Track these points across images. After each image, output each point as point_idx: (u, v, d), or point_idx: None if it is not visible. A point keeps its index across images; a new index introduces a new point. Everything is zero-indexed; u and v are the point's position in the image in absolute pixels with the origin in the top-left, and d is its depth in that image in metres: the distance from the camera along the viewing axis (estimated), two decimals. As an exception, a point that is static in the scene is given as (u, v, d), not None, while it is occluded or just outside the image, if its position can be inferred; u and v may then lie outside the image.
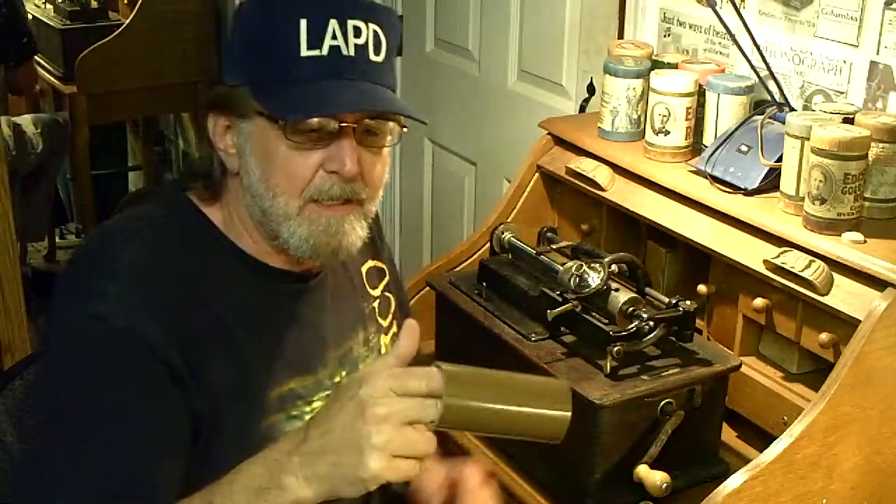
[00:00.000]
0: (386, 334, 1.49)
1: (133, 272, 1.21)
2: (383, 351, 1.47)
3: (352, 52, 1.21)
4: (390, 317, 1.51)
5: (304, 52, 1.19)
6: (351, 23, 1.21)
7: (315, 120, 1.20)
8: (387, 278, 1.53)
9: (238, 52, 1.25)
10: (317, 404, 1.33)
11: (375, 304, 1.48)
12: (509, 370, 1.65)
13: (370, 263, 1.50)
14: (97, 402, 1.16)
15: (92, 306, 1.17)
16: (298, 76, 1.20)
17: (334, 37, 1.20)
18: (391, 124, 1.26)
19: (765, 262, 1.60)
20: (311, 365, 1.34)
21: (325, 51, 1.20)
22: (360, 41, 1.22)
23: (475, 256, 2.02)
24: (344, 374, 1.37)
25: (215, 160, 1.29)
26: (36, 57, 4.17)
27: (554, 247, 1.81)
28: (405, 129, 1.29)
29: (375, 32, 1.23)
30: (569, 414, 1.08)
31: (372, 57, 1.23)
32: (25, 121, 3.97)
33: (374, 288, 1.49)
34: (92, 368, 1.17)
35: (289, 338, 1.31)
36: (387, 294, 1.52)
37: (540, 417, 1.08)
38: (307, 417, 1.30)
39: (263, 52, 1.22)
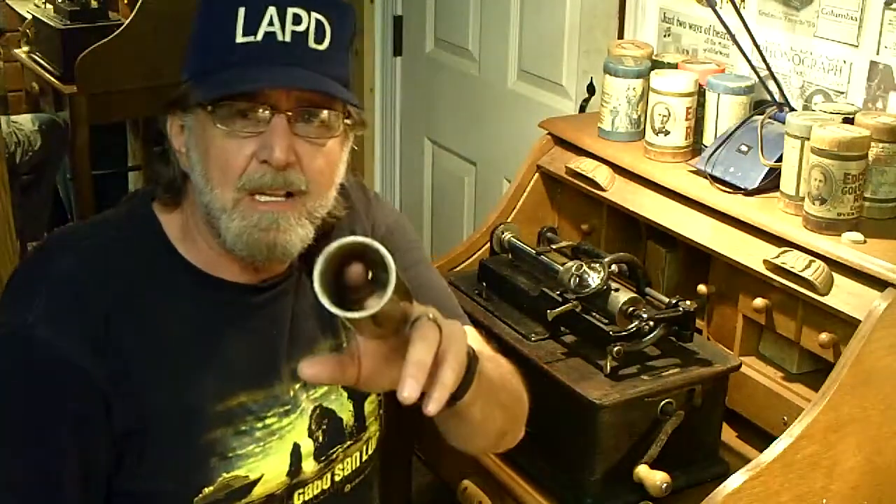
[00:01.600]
0: None
1: (61, 281, 1.20)
2: None
3: (287, 38, 1.18)
4: None
5: (239, 39, 1.17)
6: (291, 10, 1.18)
7: (243, 105, 1.17)
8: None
9: (189, 47, 1.24)
10: (271, 420, 1.28)
11: None
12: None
13: None
14: (4, 420, 1.18)
15: (19, 315, 1.18)
16: (231, 62, 1.18)
17: (271, 23, 1.17)
18: (335, 117, 1.21)
19: (765, 262, 1.60)
20: (264, 379, 1.29)
21: (259, 37, 1.17)
22: (300, 28, 1.18)
23: (475, 256, 2.02)
24: (298, 386, 1.32)
25: (174, 164, 1.26)
26: (35, 56, 4.18)
27: (554, 247, 1.81)
28: (353, 125, 1.25)
29: (318, 21, 1.19)
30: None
31: (312, 44, 1.19)
32: (24, 119, 3.97)
33: None
34: (6, 383, 1.18)
35: (239, 351, 1.27)
36: None
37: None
38: (258, 434, 1.28)
39: (203, 43, 1.21)
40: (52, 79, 4.08)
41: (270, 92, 1.17)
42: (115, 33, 3.88)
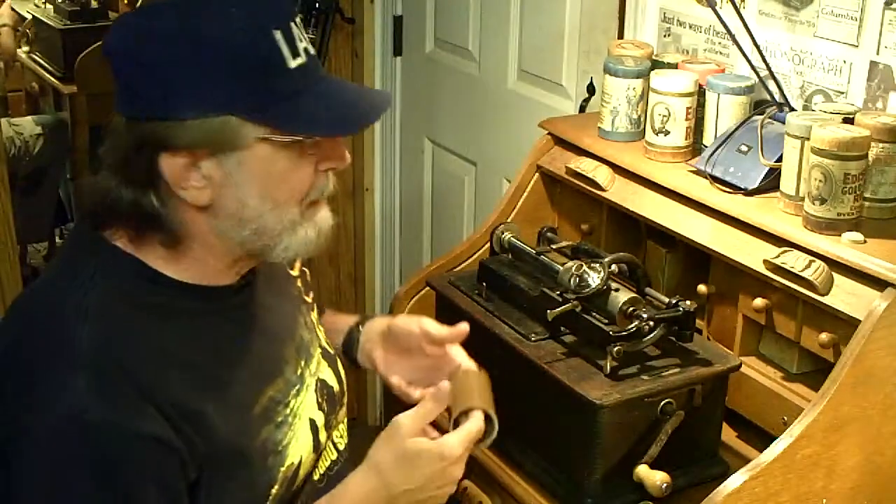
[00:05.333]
0: (313, 311, 1.46)
1: (97, 356, 1.13)
2: (318, 330, 1.44)
3: (313, 50, 1.20)
4: (312, 293, 1.49)
5: (291, 64, 1.15)
6: (296, 21, 1.19)
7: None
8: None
9: (195, 81, 1.13)
10: (291, 402, 1.31)
11: (298, 282, 1.46)
12: (509, 370, 1.67)
13: None
14: None
15: (63, 402, 1.11)
16: (296, 89, 1.16)
17: (300, 40, 1.17)
18: None
19: (765, 262, 1.60)
20: (277, 367, 1.32)
21: (304, 56, 1.17)
22: (303, 41, 1.20)
23: (475, 256, 2.02)
24: (302, 363, 1.35)
25: (148, 195, 1.17)
26: (35, 56, 4.18)
27: (554, 247, 1.81)
28: None
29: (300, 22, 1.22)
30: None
31: (312, 50, 1.21)
32: (26, 122, 3.97)
33: (293, 268, 1.46)
34: (83, 473, 1.12)
35: (251, 349, 1.28)
36: (304, 269, 1.49)
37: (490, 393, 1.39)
38: (289, 420, 1.29)
39: (248, 75, 1.13)
40: (52, 79, 4.08)
41: None
42: (115, 33, 3.88)
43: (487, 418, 1.32)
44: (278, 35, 1.14)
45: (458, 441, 1.28)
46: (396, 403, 1.46)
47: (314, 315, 1.47)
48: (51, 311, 1.19)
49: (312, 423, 1.34)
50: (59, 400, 1.11)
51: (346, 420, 1.48)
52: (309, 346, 1.40)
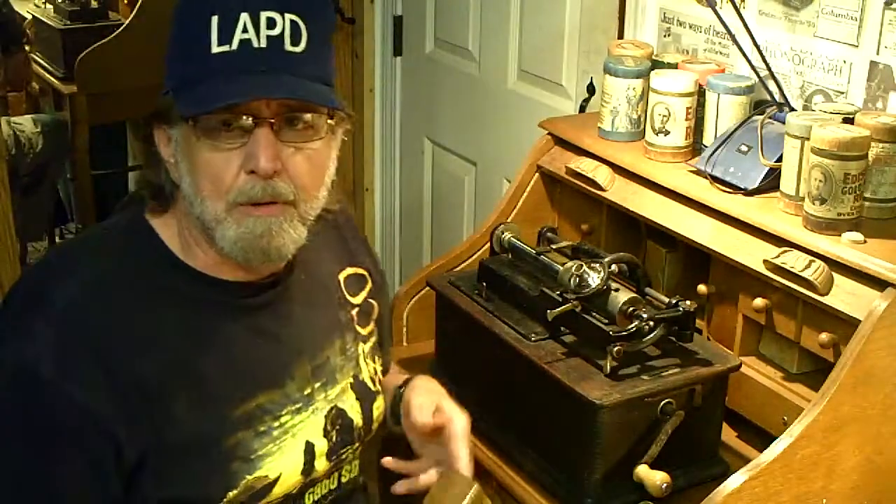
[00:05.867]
0: (364, 342, 1.44)
1: (66, 313, 1.18)
2: (361, 360, 1.43)
3: (263, 44, 1.17)
4: (371, 325, 1.46)
5: (215, 49, 1.16)
6: (264, 14, 1.16)
7: (223, 115, 1.16)
8: (369, 286, 1.48)
9: (167, 57, 1.23)
10: (285, 418, 1.30)
11: (354, 311, 1.44)
12: (509, 370, 1.66)
13: (349, 271, 1.45)
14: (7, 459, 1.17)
15: (22, 347, 1.16)
16: (209, 73, 1.17)
17: (245, 30, 1.16)
18: (320, 119, 1.21)
19: (765, 262, 1.60)
20: (277, 378, 1.30)
21: (234, 45, 1.16)
22: (275, 32, 1.17)
23: (475, 256, 2.02)
24: (318, 385, 1.34)
25: (163, 173, 1.25)
26: (35, 56, 4.18)
27: (554, 247, 1.81)
28: (338, 122, 1.25)
29: (293, 22, 1.18)
30: (476, 488, 1.28)
31: (288, 47, 1.18)
32: (26, 121, 3.97)
33: (355, 296, 1.45)
34: (8, 424, 1.17)
35: (250, 352, 1.28)
36: (370, 301, 1.47)
37: None
38: (275, 433, 1.28)
39: (179, 54, 1.20)
40: (52, 79, 4.08)
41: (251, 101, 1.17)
42: (115, 33, 3.89)
43: None
44: (214, 20, 1.16)
45: None
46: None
47: (363, 347, 1.44)
48: (53, 263, 1.27)
49: (309, 445, 1.32)
50: (20, 342, 1.17)
51: (360, 458, 1.44)
52: (335, 372, 1.37)
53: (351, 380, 1.40)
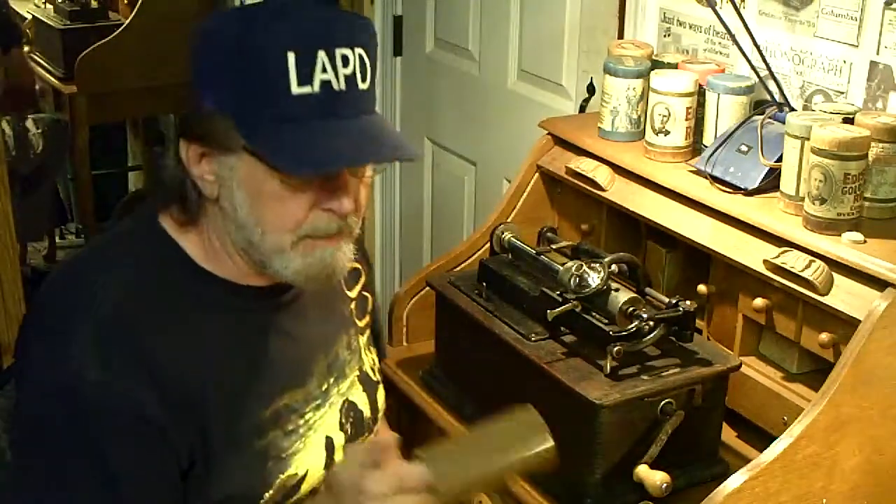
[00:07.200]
0: (362, 334, 1.47)
1: (112, 316, 1.17)
2: (362, 353, 1.45)
3: (343, 86, 1.15)
4: (367, 317, 1.49)
5: (295, 90, 1.13)
6: (339, 52, 1.15)
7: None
8: (363, 278, 1.50)
9: (216, 77, 1.17)
10: (309, 415, 1.31)
11: (353, 305, 1.46)
12: (509, 370, 1.66)
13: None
14: (73, 462, 1.16)
15: (69, 354, 1.15)
16: (291, 116, 1.14)
17: (324, 70, 1.14)
18: None
19: (765, 262, 1.60)
20: (300, 377, 1.32)
21: (316, 87, 1.14)
22: (349, 71, 1.16)
23: (475, 256, 2.02)
24: (332, 380, 1.36)
25: (188, 182, 1.22)
26: (35, 56, 4.18)
27: (554, 247, 1.81)
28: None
29: (361, 57, 1.17)
30: (551, 443, 1.19)
31: (360, 85, 1.17)
32: (27, 121, 3.97)
33: (351, 289, 1.47)
34: (69, 428, 1.15)
35: (277, 354, 1.29)
36: (364, 294, 1.49)
37: (524, 460, 1.18)
38: (301, 430, 1.30)
39: (249, 85, 1.14)
40: (52, 79, 4.08)
41: None
42: (115, 33, 3.89)
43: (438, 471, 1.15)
44: (291, 57, 1.12)
45: (381, 478, 1.14)
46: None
47: (362, 340, 1.46)
48: (89, 265, 1.25)
49: (329, 440, 1.34)
50: (65, 346, 1.15)
51: None
52: (344, 366, 1.40)
53: (358, 372, 1.42)
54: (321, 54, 1.14)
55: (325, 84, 1.14)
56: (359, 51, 1.17)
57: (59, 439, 1.16)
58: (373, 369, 1.47)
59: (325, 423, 1.34)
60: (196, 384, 1.20)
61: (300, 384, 1.32)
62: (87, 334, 1.16)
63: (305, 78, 1.13)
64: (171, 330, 1.20)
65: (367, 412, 1.42)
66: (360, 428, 1.41)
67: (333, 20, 1.17)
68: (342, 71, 1.15)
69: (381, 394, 1.47)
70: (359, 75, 1.17)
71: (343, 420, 1.37)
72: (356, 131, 1.17)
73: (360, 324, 1.47)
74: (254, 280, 1.27)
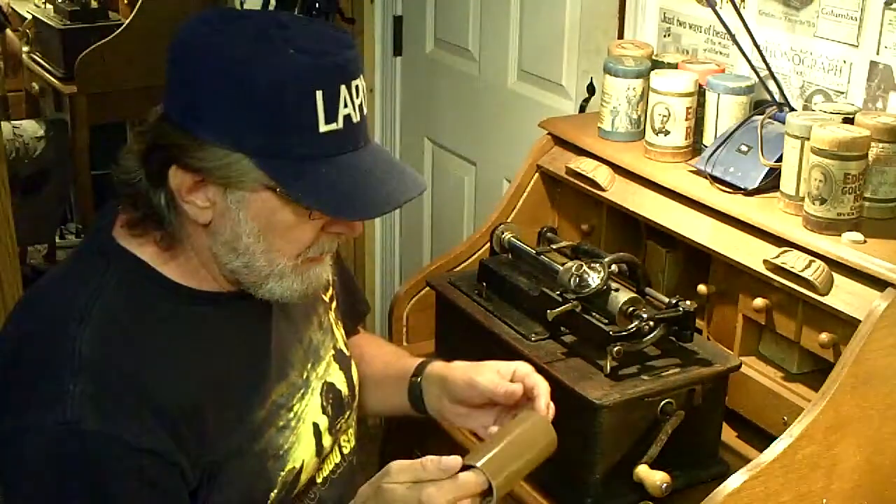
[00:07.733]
0: (331, 309, 1.45)
1: (93, 365, 1.12)
2: (335, 329, 1.44)
3: (359, 118, 1.15)
4: (331, 289, 1.46)
5: (323, 128, 1.12)
6: (354, 84, 1.15)
7: None
8: None
9: (220, 111, 1.12)
10: (295, 407, 1.31)
11: None
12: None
13: None
14: None
15: (58, 410, 1.10)
16: (319, 154, 1.13)
17: (346, 104, 1.13)
18: None
19: (765, 262, 1.60)
20: (282, 371, 1.31)
21: (340, 123, 1.13)
22: (360, 100, 1.16)
23: (475, 256, 2.02)
24: (309, 366, 1.35)
25: (162, 201, 1.18)
26: (35, 56, 4.18)
27: (554, 247, 1.81)
28: None
29: (361, 86, 1.17)
30: (555, 437, 1.31)
31: (365, 112, 1.18)
32: (28, 124, 3.98)
33: None
34: (75, 483, 1.11)
35: (261, 354, 1.28)
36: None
37: (541, 452, 1.29)
38: (292, 424, 1.29)
39: (273, 125, 1.11)
40: (52, 79, 4.08)
41: None
42: (115, 33, 3.89)
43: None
44: (319, 96, 1.11)
45: (438, 492, 1.13)
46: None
47: (332, 314, 1.45)
48: (56, 313, 1.18)
49: (316, 426, 1.34)
50: (56, 405, 1.11)
51: (355, 424, 1.46)
52: (318, 349, 1.39)
53: (333, 351, 1.42)
54: (343, 89, 1.13)
55: (347, 118, 1.14)
56: (361, 81, 1.17)
57: (66, 493, 1.12)
58: (345, 343, 1.46)
59: (310, 410, 1.33)
60: (189, 402, 1.18)
61: (283, 377, 1.31)
62: (76, 390, 1.11)
63: (332, 115, 1.12)
64: (156, 356, 1.17)
65: (345, 391, 1.41)
66: (340, 408, 1.39)
67: (340, 47, 1.15)
68: (356, 101, 1.15)
69: (354, 370, 1.46)
70: (364, 103, 1.18)
71: (324, 403, 1.36)
72: (379, 162, 1.18)
73: (326, 297, 1.44)
74: (226, 286, 1.25)
